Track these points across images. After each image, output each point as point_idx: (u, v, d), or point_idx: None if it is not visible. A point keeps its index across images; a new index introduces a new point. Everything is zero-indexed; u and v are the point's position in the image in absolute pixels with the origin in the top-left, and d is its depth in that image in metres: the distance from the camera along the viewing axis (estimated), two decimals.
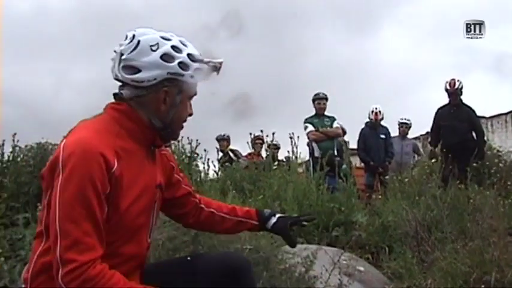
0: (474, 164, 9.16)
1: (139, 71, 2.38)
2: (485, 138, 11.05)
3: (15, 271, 4.77)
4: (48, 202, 2.21)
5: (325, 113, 11.03)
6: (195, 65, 2.43)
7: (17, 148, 8.12)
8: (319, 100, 11.01)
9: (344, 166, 9.57)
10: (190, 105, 2.57)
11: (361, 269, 5.41)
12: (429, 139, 11.65)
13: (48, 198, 2.22)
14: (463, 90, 10.35)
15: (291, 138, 10.02)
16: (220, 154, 12.28)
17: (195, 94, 2.55)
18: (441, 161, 8.65)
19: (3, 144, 8.12)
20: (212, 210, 2.93)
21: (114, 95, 2.50)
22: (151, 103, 2.43)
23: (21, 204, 7.10)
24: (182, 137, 9.10)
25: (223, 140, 12.67)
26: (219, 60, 2.54)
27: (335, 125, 10.93)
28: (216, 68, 2.53)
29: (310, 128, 10.73)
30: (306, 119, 10.95)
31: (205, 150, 9.49)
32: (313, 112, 11.08)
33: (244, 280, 2.64)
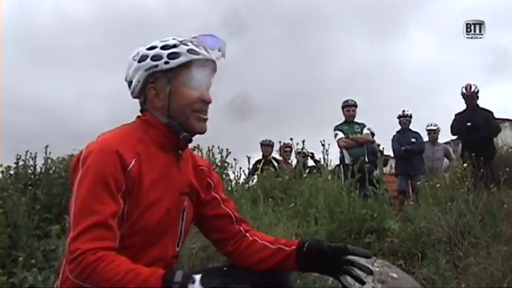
0: (507, 169, 9.12)
1: (131, 82, 2.52)
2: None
3: (50, 282, 4.82)
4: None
5: (355, 119, 11.01)
6: (168, 51, 2.44)
7: (49, 160, 8.21)
8: (349, 107, 11.00)
9: (376, 172, 9.52)
10: (206, 92, 2.52)
11: (394, 275, 5.37)
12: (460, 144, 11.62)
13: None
14: (479, 94, 10.41)
15: (322, 145, 10.02)
16: (252, 160, 12.02)
17: (202, 82, 2.50)
18: (472, 165, 8.58)
19: (35, 157, 8.22)
20: (256, 238, 2.74)
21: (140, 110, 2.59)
22: (150, 104, 2.50)
23: (54, 216, 7.18)
24: (213, 146, 9.15)
25: (268, 146, 12.39)
26: (198, 35, 2.53)
27: (365, 131, 10.90)
28: (201, 43, 2.50)
29: (341, 135, 10.71)
30: (336, 126, 10.93)
31: (235, 159, 9.51)
32: (340, 118, 11.08)
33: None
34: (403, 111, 12.05)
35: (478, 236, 5.94)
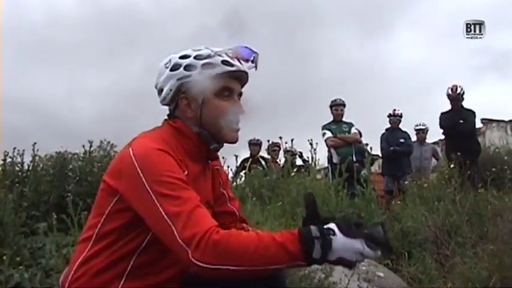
0: (493, 169, 9.20)
1: (162, 90, 2.50)
2: (505, 141, 11.07)
3: (36, 279, 4.80)
4: (112, 211, 2.27)
5: (343, 119, 11.03)
6: (202, 61, 2.42)
7: (37, 157, 8.19)
8: (337, 106, 11.02)
9: (363, 171, 9.54)
10: (236, 102, 2.50)
11: (381, 274, 5.40)
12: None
13: (113, 206, 2.27)
14: (464, 96, 10.52)
15: (310, 144, 10.02)
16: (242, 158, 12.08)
17: (226, 89, 2.47)
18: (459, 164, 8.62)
19: (23, 154, 8.19)
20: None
21: (168, 116, 2.58)
22: (181, 113, 2.48)
23: (41, 213, 7.16)
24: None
25: (255, 145, 12.33)
26: (234, 46, 2.50)
27: (353, 130, 10.92)
28: (236, 54, 2.48)
29: (328, 134, 10.72)
30: (324, 125, 10.95)
31: (223, 157, 9.48)
32: (328, 117, 11.10)
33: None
34: (394, 110, 12.06)
35: (465, 235, 5.96)
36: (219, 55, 2.45)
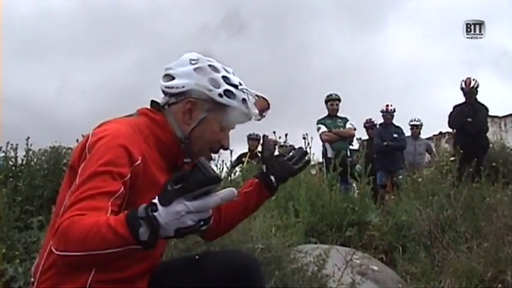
0: (493, 164, 9.21)
1: (173, 78, 2.48)
2: (499, 137, 11.07)
3: (30, 274, 4.79)
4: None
5: (338, 114, 11.04)
6: (228, 87, 2.43)
7: (31, 152, 8.17)
8: (332, 101, 11.06)
9: (358, 166, 9.55)
10: (227, 137, 2.56)
11: (375, 268, 5.40)
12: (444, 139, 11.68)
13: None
14: (478, 89, 10.40)
15: (304, 138, 10.02)
16: (238, 153, 12.06)
17: (231, 127, 2.55)
18: (457, 160, 8.61)
19: (16, 148, 8.16)
20: (224, 212, 2.76)
21: (152, 101, 2.56)
22: (177, 112, 2.47)
23: (35, 208, 7.13)
24: None
25: (254, 140, 12.34)
26: (260, 95, 2.55)
27: (348, 125, 10.95)
28: (259, 105, 2.54)
29: (323, 128, 10.74)
30: (319, 120, 10.99)
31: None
32: (322, 112, 11.13)
33: (253, 279, 2.57)
34: (387, 105, 12.06)
35: (459, 230, 5.97)
36: (242, 91, 2.48)
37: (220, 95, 2.41)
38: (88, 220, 1.91)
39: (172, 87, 2.46)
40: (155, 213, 1.84)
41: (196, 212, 1.84)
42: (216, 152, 2.55)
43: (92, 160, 2.12)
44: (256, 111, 2.54)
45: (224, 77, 2.45)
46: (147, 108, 2.52)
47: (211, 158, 2.57)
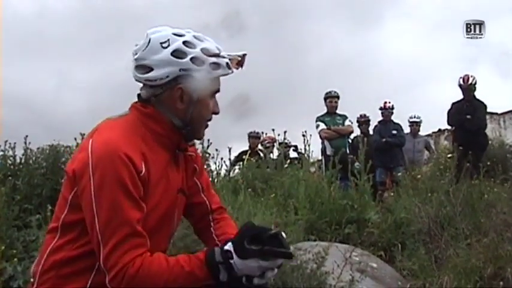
0: (490, 161, 9.21)
1: (151, 69, 2.33)
2: (498, 134, 11.06)
3: (29, 272, 4.78)
4: (73, 202, 2.24)
5: (337, 111, 11.04)
6: (211, 59, 2.34)
7: (29, 151, 8.16)
8: (331, 98, 11.05)
9: (357, 164, 9.55)
10: (216, 102, 2.49)
11: (374, 265, 5.40)
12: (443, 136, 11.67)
13: (73, 197, 2.24)
14: (476, 85, 10.39)
15: (303, 136, 10.01)
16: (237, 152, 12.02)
17: (218, 90, 2.47)
18: (456, 157, 8.61)
19: (14, 147, 8.16)
20: (216, 234, 2.73)
21: (138, 95, 2.46)
22: (168, 102, 2.37)
23: (34, 206, 7.13)
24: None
25: (255, 138, 12.38)
26: (240, 53, 2.46)
27: (347, 123, 10.95)
28: (239, 62, 2.45)
29: (322, 126, 10.74)
30: (318, 117, 10.98)
31: (216, 149, 9.44)
32: (321, 109, 11.13)
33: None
34: (385, 102, 12.04)
35: (458, 227, 5.97)
36: (223, 56, 2.39)
37: (208, 72, 2.34)
38: (159, 268, 2.14)
39: (156, 79, 2.33)
40: (231, 261, 2.15)
41: (265, 268, 2.18)
42: (210, 120, 2.50)
43: (105, 186, 2.12)
44: (234, 69, 2.43)
45: (203, 50, 2.35)
46: (137, 104, 2.44)
47: (207, 126, 2.51)
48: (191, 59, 2.31)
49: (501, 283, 4.67)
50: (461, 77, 10.45)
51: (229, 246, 2.15)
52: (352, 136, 11.73)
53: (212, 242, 2.65)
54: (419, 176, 8.41)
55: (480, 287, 4.79)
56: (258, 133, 12.35)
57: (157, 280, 2.10)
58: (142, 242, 2.16)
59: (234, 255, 2.12)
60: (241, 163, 11.01)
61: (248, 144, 12.46)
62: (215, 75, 2.37)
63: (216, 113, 2.50)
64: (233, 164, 10.77)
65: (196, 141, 2.85)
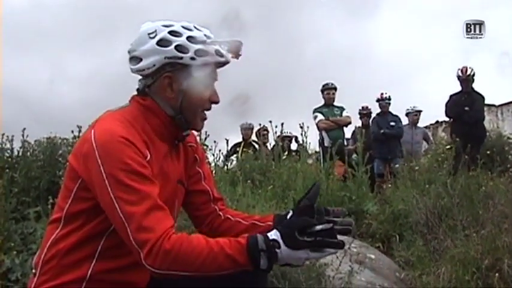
0: (488, 152, 9.23)
1: (140, 60, 2.38)
2: (495, 125, 11.06)
3: (27, 265, 4.79)
4: (78, 193, 2.25)
5: (334, 103, 11.05)
6: (196, 46, 2.34)
7: (26, 143, 8.16)
8: (328, 90, 11.06)
9: (355, 155, 9.55)
10: (215, 91, 2.48)
11: (372, 256, 5.41)
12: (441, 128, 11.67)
13: (78, 188, 2.25)
14: (474, 77, 10.40)
15: (301, 127, 10.00)
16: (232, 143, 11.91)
17: (214, 80, 2.46)
18: (454, 148, 8.62)
19: (12, 140, 8.15)
20: (229, 216, 2.71)
21: (137, 88, 2.48)
22: (159, 91, 2.39)
23: (32, 199, 7.13)
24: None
25: (248, 129, 12.35)
26: (230, 40, 2.45)
27: (345, 114, 10.95)
28: (233, 49, 2.43)
29: (320, 117, 10.75)
30: (316, 109, 10.99)
31: (215, 141, 9.42)
32: (317, 101, 11.13)
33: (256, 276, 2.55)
34: (381, 94, 12.06)
35: (456, 218, 5.97)
36: (213, 44, 2.38)
37: (192, 58, 2.33)
38: (198, 244, 2.08)
39: (144, 69, 2.38)
40: (277, 250, 2.06)
41: (309, 259, 2.16)
42: (210, 109, 2.49)
43: (115, 172, 2.12)
44: (230, 57, 2.43)
45: (189, 38, 2.36)
46: (137, 96, 2.46)
47: (205, 118, 2.50)
48: (175, 46, 2.33)
49: (497, 275, 4.68)
50: (459, 69, 10.44)
51: (275, 235, 2.09)
52: (352, 128, 11.78)
53: (225, 224, 2.67)
54: (417, 168, 8.40)
55: (477, 278, 4.80)
56: (250, 124, 12.32)
57: (196, 256, 2.05)
58: (167, 214, 2.16)
59: (283, 245, 2.06)
60: (236, 155, 11.02)
61: (241, 136, 12.44)
62: (202, 62, 2.35)
63: (216, 102, 2.49)
64: (227, 156, 10.77)
65: (195, 133, 2.83)
